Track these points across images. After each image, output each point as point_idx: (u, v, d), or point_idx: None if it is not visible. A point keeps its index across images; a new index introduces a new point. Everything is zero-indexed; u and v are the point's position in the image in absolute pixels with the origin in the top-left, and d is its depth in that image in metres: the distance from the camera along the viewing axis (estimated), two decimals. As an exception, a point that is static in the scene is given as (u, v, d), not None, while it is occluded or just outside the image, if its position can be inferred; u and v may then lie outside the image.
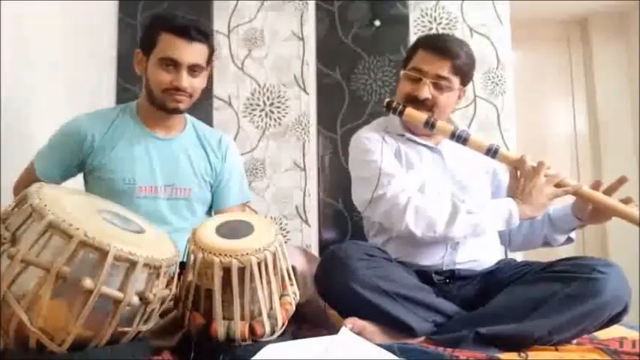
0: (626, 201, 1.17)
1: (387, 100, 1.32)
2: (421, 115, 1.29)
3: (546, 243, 1.36)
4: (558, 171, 1.22)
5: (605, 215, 1.22)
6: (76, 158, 1.32)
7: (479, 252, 1.30)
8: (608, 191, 1.19)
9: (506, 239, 1.43)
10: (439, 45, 1.32)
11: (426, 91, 1.30)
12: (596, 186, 1.20)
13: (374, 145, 1.34)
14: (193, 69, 1.29)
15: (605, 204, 1.18)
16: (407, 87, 1.34)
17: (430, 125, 1.28)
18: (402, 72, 1.37)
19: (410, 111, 1.29)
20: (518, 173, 1.24)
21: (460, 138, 1.27)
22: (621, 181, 1.19)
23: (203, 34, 1.28)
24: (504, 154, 1.26)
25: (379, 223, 1.34)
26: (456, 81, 1.32)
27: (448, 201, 1.24)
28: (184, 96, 1.30)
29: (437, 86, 1.31)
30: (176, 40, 1.25)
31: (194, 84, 1.30)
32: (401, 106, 1.30)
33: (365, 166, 1.33)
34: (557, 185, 1.21)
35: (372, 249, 1.20)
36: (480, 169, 1.41)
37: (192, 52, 1.27)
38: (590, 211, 1.25)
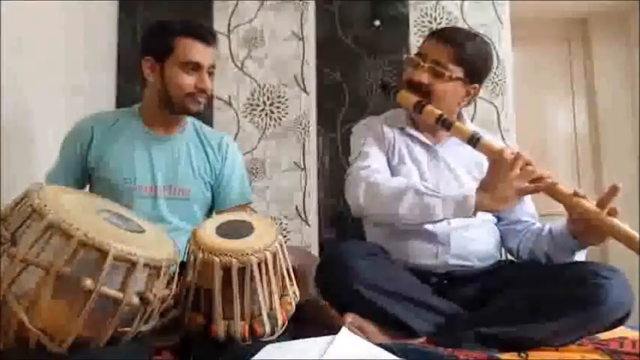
0: (611, 212, 1.05)
1: (383, 79, 1.33)
2: (412, 98, 1.27)
3: (550, 261, 1.27)
4: (543, 170, 1.13)
5: (598, 233, 1.11)
6: (82, 160, 1.33)
7: (474, 251, 1.29)
8: (602, 203, 1.06)
9: (515, 250, 1.37)
10: (444, 32, 1.35)
11: (424, 76, 1.28)
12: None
13: (365, 132, 1.39)
14: (210, 70, 1.33)
15: (574, 207, 1.08)
16: (408, 72, 1.35)
17: (419, 109, 1.25)
18: (404, 56, 1.39)
19: (403, 93, 1.29)
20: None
21: (445, 123, 1.23)
22: (612, 191, 1.05)
23: (215, 37, 1.35)
24: (485, 144, 1.18)
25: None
26: (456, 71, 1.28)
27: (404, 181, 1.23)
28: (205, 97, 1.34)
29: (435, 73, 1.28)
30: (197, 44, 1.29)
31: (211, 84, 1.36)
32: (395, 88, 1.30)
33: (353, 149, 1.39)
34: (533, 182, 1.12)
35: (373, 248, 1.20)
36: (478, 172, 1.37)
37: (210, 54, 1.33)
38: (583, 228, 1.14)
